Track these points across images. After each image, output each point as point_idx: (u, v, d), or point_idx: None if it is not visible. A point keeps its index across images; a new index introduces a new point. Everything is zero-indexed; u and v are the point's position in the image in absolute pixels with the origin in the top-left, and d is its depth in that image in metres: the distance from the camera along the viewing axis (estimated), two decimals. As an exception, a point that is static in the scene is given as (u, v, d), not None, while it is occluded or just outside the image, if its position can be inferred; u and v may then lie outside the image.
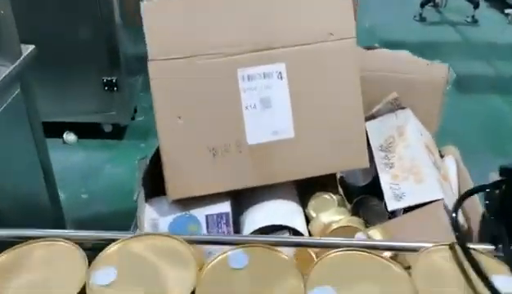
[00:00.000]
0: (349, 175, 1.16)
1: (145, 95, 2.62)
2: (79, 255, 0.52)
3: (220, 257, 0.51)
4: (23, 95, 1.04)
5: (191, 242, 0.52)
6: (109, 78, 2.07)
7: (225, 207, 0.97)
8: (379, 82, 1.18)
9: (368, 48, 1.22)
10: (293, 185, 1.08)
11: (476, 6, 3.80)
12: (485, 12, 4.00)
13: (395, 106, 1.16)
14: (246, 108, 0.96)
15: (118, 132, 2.32)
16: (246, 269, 0.49)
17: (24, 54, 1.04)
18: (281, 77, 0.97)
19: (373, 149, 1.11)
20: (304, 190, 1.09)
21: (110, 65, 2.06)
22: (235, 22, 0.95)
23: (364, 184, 1.12)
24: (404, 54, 1.23)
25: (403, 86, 1.18)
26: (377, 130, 1.14)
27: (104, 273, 0.47)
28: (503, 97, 2.79)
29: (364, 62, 1.08)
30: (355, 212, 1.06)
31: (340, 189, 1.14)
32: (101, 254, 0.50)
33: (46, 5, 1.85)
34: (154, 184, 1.00)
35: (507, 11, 3.91)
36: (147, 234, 0.54)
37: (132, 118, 2.44)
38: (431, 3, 4.06)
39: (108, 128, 2.27)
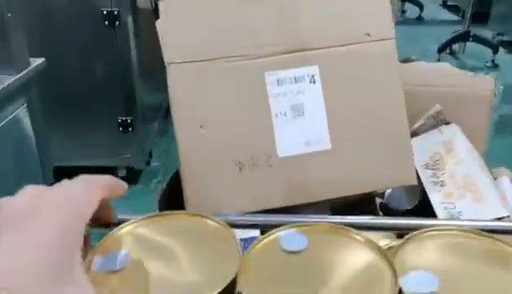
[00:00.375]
0: (392, 199, 1.02)
1: (161, 141, 2.54)
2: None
3: (270, 238, 0.38)
4: (28, 110, 0.95)
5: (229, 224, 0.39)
6: (124, 118, 1.99)
7: (254, 231, 0.84)
8: (419, 96, 1.07)
9: (404, 61, 1.12)
10: (326, 208, 0.95)
11: (496, 50, 3.74)
12: (504, 57, 3.95)
13: (438, 121, 1.04)
14: (276, 116, 0.85)
15: (132, 177, 2.22)
16: (305, 253, 0.36)
17: (33, 65, 0.97)
18: (314, 82, 0.86)
19: (417, 168, 0.98)
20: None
21: (125, 106, 1.99)
22: (262, 21, 0.86)
23: (410, 207, 0.99)
24: (445, 66, 1.12)
25: (446, 100, 1.06)
26: (420, 147, 1.02)
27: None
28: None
29: (401, 76, 0.98)
30: (400, 237, 0.91)
31: (380, 213, 1.01)
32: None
33: (63, 44, 1.81)
34: (172, 209, 0.88)
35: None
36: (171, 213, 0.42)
37: (147, 163, 2.35)
38: (448, 50, 4.02)
39: (122, 173, 2.16)
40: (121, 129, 2.00)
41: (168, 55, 0.84)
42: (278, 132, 0.85)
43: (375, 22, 0.89)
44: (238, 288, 0.33)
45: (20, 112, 0.93)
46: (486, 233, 0.37)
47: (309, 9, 0.87)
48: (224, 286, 0.32)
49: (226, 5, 0.87)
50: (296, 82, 0.86)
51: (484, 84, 1.08)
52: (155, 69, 2.17)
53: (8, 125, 0.89)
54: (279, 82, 0.85)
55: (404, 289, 0.32)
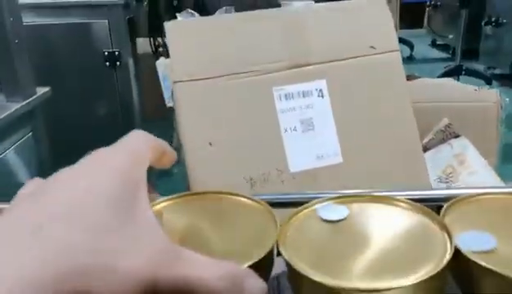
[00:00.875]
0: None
1: (163, 183, 2.52)
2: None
3: (307, 210, 0.36)
4: (34, 138, 0.94)
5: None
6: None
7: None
8: (426, 112, 1.07)
9: (408, 78, 1.13)
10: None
11: (489, 82, 3.80)
12: (497, 89, 4.00)
13: (448, 134, 1.03)
14: (285, 131, 0.84)
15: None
16: (347, 221, 0.34)
17: (39, 93, 0.96)
18: (322, 96, 0.86)
19: (431, 182, 0.97)
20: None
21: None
22: (268, 37, 0.86)
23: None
24: (448, 81, 1.13)
25: (453, 115, 1.06)
26: (432, 161, 1.00)
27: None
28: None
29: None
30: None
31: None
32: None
33: (65, 83, 1.82)
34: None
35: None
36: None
37: None
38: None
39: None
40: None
41: (174, 74, 0.83)
42: (289, 147, 0.83)
43: (378, 35, 0.89)
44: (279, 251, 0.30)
45: (26, 140, 0.92)
46: None
47: (314, 24, 0.88)
48: (264, 253, 0.30)
49: (232, 22, 0.87)
50: (304, 96, 0.85)
51: (488, 97, 1.09)
52: (156, 113, 2.18)
53: (14, 152, 0.87)
54: (287, 96, 0.85)
55: (462, 248, 0.30)
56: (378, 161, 0.85)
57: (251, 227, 0.33)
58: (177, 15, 1.21)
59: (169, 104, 1.60)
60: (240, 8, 1.00)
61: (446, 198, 0.36)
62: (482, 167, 0.94)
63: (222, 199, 0.37)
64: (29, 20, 1.74)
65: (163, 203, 0.37)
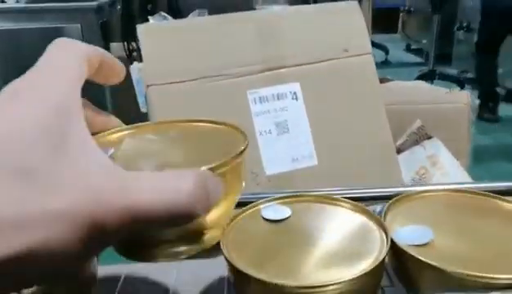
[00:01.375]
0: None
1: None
2: None
3: (250, 210, 0.36)
4: None
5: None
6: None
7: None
8: (399, 114, 1.08)
9: (381, 81, 1.14)
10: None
11: (462, 86, 3.88)
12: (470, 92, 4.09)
13: (421, 136, 1.05)
14: (260, 134, 0.84)
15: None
16: (289, 220, 0.35)
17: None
18: (296, 98, 0.86)
19: (405, 182, 0.98)
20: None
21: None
22: (242, 40, 0.86)
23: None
24: (420, 84, 1.14)
25: (425, 117, 1.08)
26: (406, 163, 1.02)
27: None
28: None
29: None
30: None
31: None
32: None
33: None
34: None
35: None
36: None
37: None
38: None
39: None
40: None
41: (147, 78, 0.82)
42: (264, 150, 0.83)
43: (351, 38, 0.90)
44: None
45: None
46: (478, 191, 0.37)
47: (287, 27, 0.89)
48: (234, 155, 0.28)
49: (205, 25, 0.87)
50: (278, 99, 0.85)
51: (459, 99, 1.11)
52: (130, 119, 2.16)
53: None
54: (261, 99, 0.85)
55: (399, 242, 0.31)
56: (352, 163, 0.86)
57: (219, 143, 0.32)
58: (150, 18, 1.21)
59: (143, 109, 1.58)
60: (213, 11, 0.99)
61: (391, 196, 0.37)
62: (454, 168, 0.96)
63: (187, 126, 0.36)
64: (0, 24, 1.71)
65: (125, 131, 0.34)
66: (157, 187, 0.20)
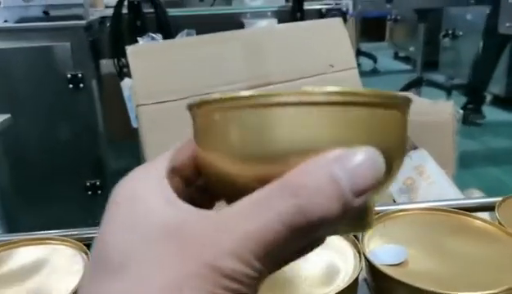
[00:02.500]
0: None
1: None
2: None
3: None
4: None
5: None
6: (92, 181, 1.96)
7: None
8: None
9: (367, 94, 1.16)
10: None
11: (449, 92, 3.93)
12: (457, 98, 4.14)
13: (407, 147, 1.07)
14: (249, 150, 0.86)
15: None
16: None
17: (-1, 122, 0.95)
18: (284, 114, 0.88)
19: (393, 193, 1.00)
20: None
21: (93, 168, 1.96)
22: (229, 59, 0.88)
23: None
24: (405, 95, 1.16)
25: (411, 128, 1.10)
26: (393, 173, 1.04)
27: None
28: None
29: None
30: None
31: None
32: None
33: (28, 106, 1.79)
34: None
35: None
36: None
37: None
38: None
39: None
40: (90, 193, 1.95)
41: (137, 98, 0.84)
42: (253, 166, 0.85)
43: (336, 54, 0.93)
44: None
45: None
46: (450, 209, 0.39)
47: (273, 44, 0.91)
48: None
49: (193, 45, 0.89)
50: (266, 115, 0.87)
51: (444, 110, 1.13)
52: (122, 134, 2.16)
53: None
54: (250, 116, 0.86)
55: (375, 262, 0.33)
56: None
57: None
58: (139, 38, 1.22)
59: (135, 124, 1.59)
60: (201, 29, 1.01)
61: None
62: (440, 177, 0.98)
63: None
64: (-12, 44, 1.72)
65: None
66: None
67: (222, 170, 0.21)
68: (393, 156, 0.21)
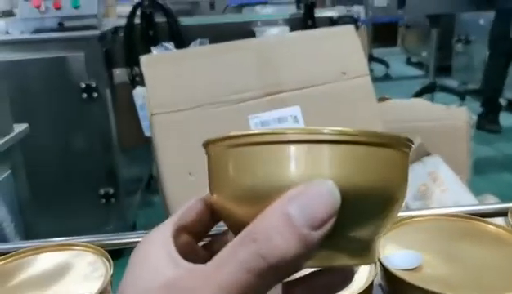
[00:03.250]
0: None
1: (144, 213, 2.51)
2: None
3: None
4: (13, 177, 0.94)
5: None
6: (106, 190, 1.97)
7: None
8: (398, 132, 1.10)
9: (379, 100, 1.16)
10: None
11: (462, 98, 3.90)
12: (471, 104, 4.11)
13: (421, 153, 1.07)
14: (263, 157, 0.86)
15: (116, 250, 2.15)
16: None
17: (16, 130, 0.97)
18: (297, 121, 0.88)
19: (407, 200, 0.99)
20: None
21: (107, 176, 1.98)
22: (241, 67, 0.89)
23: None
24: (419, 101, 1.16)
25: (424, 134, 1.09)
26: (406, 180, 1.03)
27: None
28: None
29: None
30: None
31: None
32: None
33: (43, 116, 1.82)
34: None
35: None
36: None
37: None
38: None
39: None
40: (103, 201, 1.97)
41: (151, 107, 0.85)
42: (266, 173, 0.85)
43: (349, 61, 0.93)
44: None
45: (6, 178, 0.92)
46: (464, 215, 0.39)
47: (286, 52, 0.91)
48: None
49: (206, 54, 0.90)
50: (280, 122, 0.88)
51: (458, 115, 1.12)
52: (133, 142, 2.18)
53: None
54: (262, 124, 0.87)
55: (390, 267, 0.33)
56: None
57: None
58: (152, 48, 1.24)
59: (148, 133, 1.61)
60: (214, 38, 1.02)
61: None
62: (454, 184, 0.97)
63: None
64: (4, 55, 1.75)
65: None
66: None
67: (228, 211, 0.23)
68: (381, 193, 0.21)
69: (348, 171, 0.20)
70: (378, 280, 0.37)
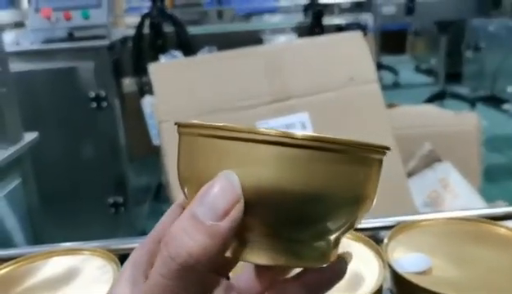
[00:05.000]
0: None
1: (153, 221, 2.50)
2: None
3: None
4: (23, 185, 0.94)
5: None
6: (115, 199, 1.98)
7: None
8: (408, 139, 1.09)
9: (389, 106, 1.16)
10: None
11: (473, 104, 3.87)
12: (482, 111, 4.07)
13: (431, 159, 1.06)
14: (271, 164, 0.86)
15: (125, 255, 2.15)
16: None
17: (27, 139, 0.97)
18: (305, 127, 0.88)
19: (417, 206, 0.98)
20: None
21: (116, 185, 1.98)
22: (249, 74, 0.89)
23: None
24: (428, 108, 1.16)
25: (434, 140, 1.08)
26: (417, 187, 1.02)
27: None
28: None
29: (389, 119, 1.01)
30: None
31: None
32: None
33: (53, 125, 1.83)
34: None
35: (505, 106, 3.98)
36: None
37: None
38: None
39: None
40: (113, 210, 1.97)
41: (160, 114, 0.85)
42: (275, 180, 0.85)
43: (357, 67, 0.92)
44: None
45: (16, 186, 0.93)
46: (473, 218, 0.39)
47: (294, 59, 0.91)
48: None
49: (214, 61, 0.90)
50: (288, 129, 0.87)
51: (468, 121, 1.11)
52: (142, 151, 2.19)
53: (4, 199, 0.88)
54: (271, 130, 0.87)
55: (400, 270, 0.32)
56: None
57: None
58: (161, 56, 1.24)
59: (156, 141, 1.61)
60: (222, 46, 1.03)
61: (392, 226, 0.39)
62: (465, 190, 0.96)
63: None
64: (14, 66, 1.77)
65: None
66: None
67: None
68: (316, 198, 0.20)
69: (273, 173, 0.19)
70: (387, 284, 0.36)
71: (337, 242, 0.22)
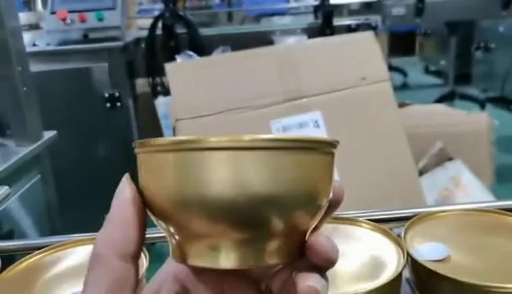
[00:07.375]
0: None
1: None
2: None
3: None
4: (42, 182, 0.97)
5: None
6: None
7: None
8: (419, 138, 1.10)
9: (400, 105, 1.17)
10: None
11: (482, 105, 3.85)
12: (492, 111, 4.06)
13: (442, 158, 1.07)
14: (285, 161, 0.87)
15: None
16: None
17: (46, 137, 1.00)
18: (318, 126, 0.89)
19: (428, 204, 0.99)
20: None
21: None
22: (263, 73, 0.91)
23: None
24: (439, 107, 1.17)
25: (445, 139, 1.10)
26: (429, 185, 1.03)
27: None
28: None
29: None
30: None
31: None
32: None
33: (67, 125, 1.86)
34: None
35: (514, 107, 3.96)
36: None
37: (152, 243, 2.31)
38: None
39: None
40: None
41: (176, 113, 0.87)
42: (288, 177, 0.86)
43: (369, 67, 0.94)
44: None
45: (35, 183, 0.95)
46: (490, 209, 0.40)
47: (306, 59, 0.93)
48: None
49: (229, 61, 0.92)
50: (301, 127, 0.89)
51: (479, 120, 1.12)
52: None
53: (23, 196, 0.90)
54: (284, 129, 0.88)
55: (418, 258, 0.34)
56: (375, 187, 0.88)
57: None
58: (177, 56, 1.26)
59: (170, 141, 1.62)
60: (235, 47, 1.05)
61: (409, 217, 0.41)
62: (476, 188, 0.97)
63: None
64: (32, 67, 1.80)
65: None
66: None
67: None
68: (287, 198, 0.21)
69: (229, 177, 0.20)
70: (406, 275, 0.38)
71: (305, 234, 0.23)
